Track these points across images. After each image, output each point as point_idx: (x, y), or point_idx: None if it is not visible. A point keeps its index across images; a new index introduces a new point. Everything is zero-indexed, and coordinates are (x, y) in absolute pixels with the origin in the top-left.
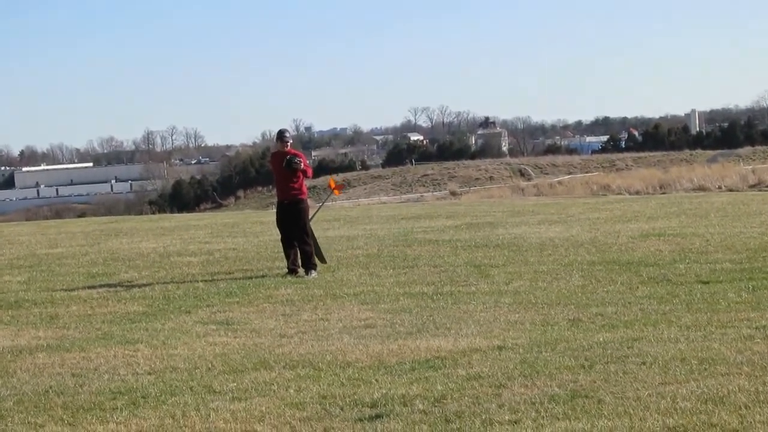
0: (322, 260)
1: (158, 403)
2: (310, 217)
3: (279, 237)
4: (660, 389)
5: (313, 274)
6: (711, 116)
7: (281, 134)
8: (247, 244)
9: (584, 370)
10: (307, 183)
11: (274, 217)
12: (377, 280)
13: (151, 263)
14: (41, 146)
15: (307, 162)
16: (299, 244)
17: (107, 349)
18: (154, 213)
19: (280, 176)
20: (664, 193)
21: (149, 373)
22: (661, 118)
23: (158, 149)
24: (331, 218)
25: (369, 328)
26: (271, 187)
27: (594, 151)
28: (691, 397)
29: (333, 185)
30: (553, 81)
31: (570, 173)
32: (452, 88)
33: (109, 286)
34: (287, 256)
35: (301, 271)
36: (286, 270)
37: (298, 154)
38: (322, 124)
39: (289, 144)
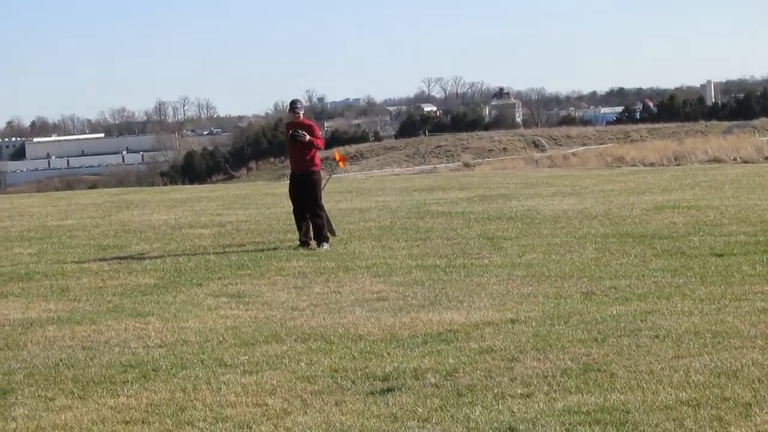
0: (332, 233)
1: (169, 377)
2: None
3: (291, 209)
4: (673, 363)
5: (325, 246)
6: (726, 87)
7: (293, 104)
8: (258, 216)
9: (597, 343)
10: (320, 154)
11: (286, 189)
12: (390, 253)
13: (163, 235)
14: (52, 117)
15: (319, 133)
16: (311, 217)
17: (118, 321)
18: (165, 184)
19: (293, 148)
20: (678, 165)
21: (160, 346)
22: (676, 89)
23: (170, 120)
24: (343, 190)
25: (381, 300)
26: (283, 158)
27: (608, 123)
28: (704, 371)
29: (338, 158)
30: (567, 51)
31: (584, 145)
32: (466, 58)
33: (120, 258)
34: (299, 228)
35: (313, 243)
36: (298, 242)
37: (311, 124)
38: (334, 94)
39: (301, 114)
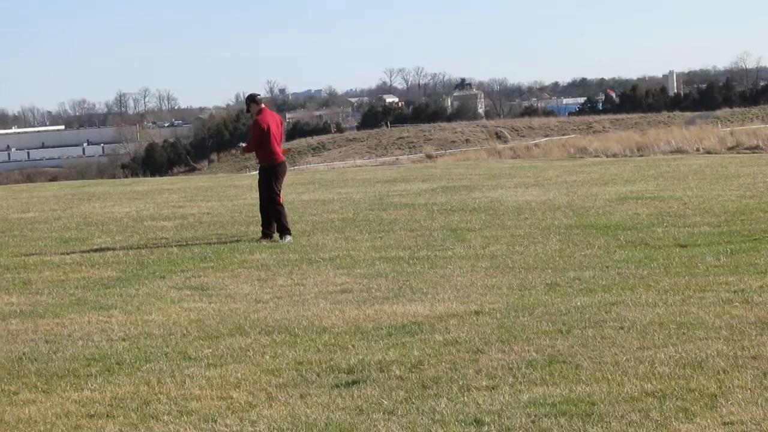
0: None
1: (133, 370)
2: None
3: (256, 201)
4: (638, 354)
5: (288, 238)
6: (689, 77)
7: (256, 98)
8: (221, 208)
9: (562, 335)
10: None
11: (249, 181)
12: (353, 245)
13: (125, 228)
14: (12, 109)
15: (256, 131)
16: (272, 208)
17: (81, 315)
18: (126, 177)
19: (272, 139)
20: (641, 156)
21: (124, 340)
22: (639, 79)
23: (131, 112)
24: (305, 182)
25: (345, 293)
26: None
27: (571, 113)
28: (669, 362)
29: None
30: (529, 42)
31: (547, 136)
32: (428, 49)
33: (83, 251)
34: (262, 219)
35: (275, 235)
36: (260, 234)
37: (254, 120)
38: (296, 86)
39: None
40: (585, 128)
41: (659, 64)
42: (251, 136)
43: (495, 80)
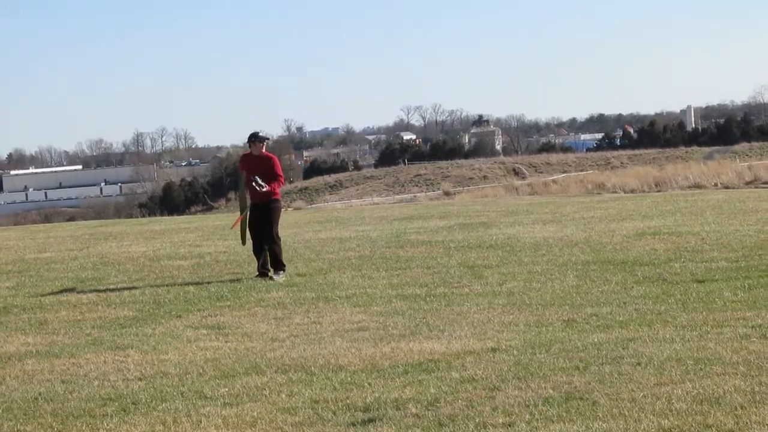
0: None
1: (149, 410)
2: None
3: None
4: (655, 390)
5: (282, 275)
6: (707, 112)
7: (257, 138)
8: (237, 246)
9: (579, 371)
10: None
11: None
12: (370, 282)
13: (141, 267)
14: (29, 149)
15: (280, 168)
16: (268, 246)
17: (97, 354)
18: (144, 216)
19: (246, 180)
20: (659, 191)
21: (140, 379)
22: (656, 114)
23: (148, 151)
24: (323, 219)
25: (361, 330)
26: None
27: (589, 149)
28: (686, 398)
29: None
30: (546, 78)
31: (564, 172)
32: (445, 86)
33: (99, 290)
34: (258, 259)
35: (271, 272)
36: (257, 273)
37: (272, 157)
38: (313, 124)
39: (263, 147)
40: (603, 164)
41: (677, 99)
42: None
43: (512, 116)
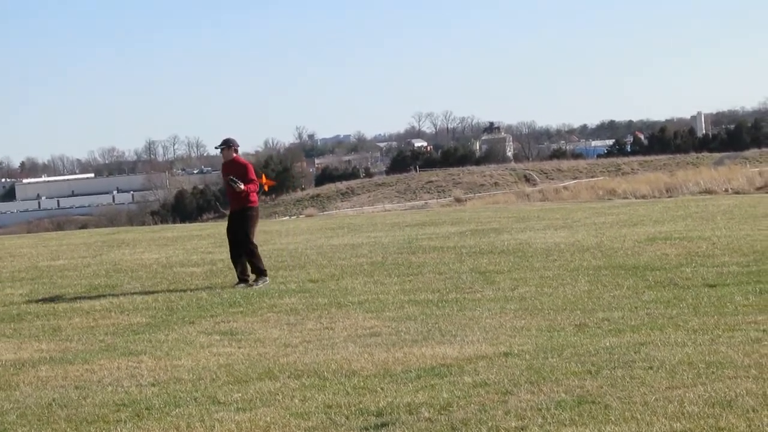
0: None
1: (162, 415)
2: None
3: (285, 245)
4: (667, 393)
5: (265, 281)
6: (717, 118)
7: (228, 143)
8: None
9: (591, 375)
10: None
11: (278, 227)
12: (382, 288)
13: (154, 274)
14: (42, 157)
15: (253, 174)
16: (245, 254)
17: (111, 360)
18: (156, 223)
19: (230, 187)
20: (670, 197)
21: (153, 385)
22: (667, 120)
23: (160, 159)
24: (335, 226)
25: (374, 336)
26: (274, 196)
27: (599, 156)
28: (698, 401)
29: (264, 180)
30: (557, 85)
31: (575, 178)
32: (456, 93)
33: (112, 297)
34: (235, 267)
35: (251, 278)
36: (236, 281)
37: (246, 164)
38: (325, 131)
39: (234, 154)
40: (614, 170)
41: (687, 105)
42: None
43: (523, 123)
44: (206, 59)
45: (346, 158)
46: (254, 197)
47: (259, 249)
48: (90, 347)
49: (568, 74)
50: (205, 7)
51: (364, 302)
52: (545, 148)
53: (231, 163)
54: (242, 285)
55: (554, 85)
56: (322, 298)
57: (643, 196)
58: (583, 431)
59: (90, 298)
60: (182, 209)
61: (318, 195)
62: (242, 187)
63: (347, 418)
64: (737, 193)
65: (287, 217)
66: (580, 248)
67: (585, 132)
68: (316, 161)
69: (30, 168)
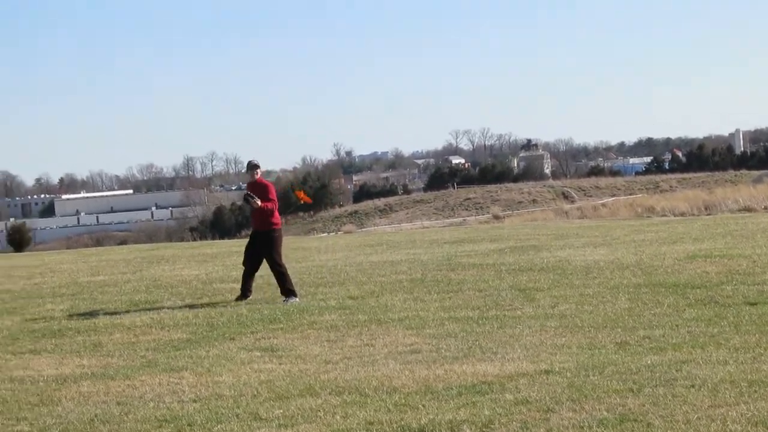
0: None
1: (204, 431)
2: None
3: (324, 262)
4: (709, 412)
5: (294, 300)
6: (755, 135)
7: (250, 166)
8: (289, 269)
9: (633, 393)
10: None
11: (317, 243)
12: (422, 305)
13: (194, 290)
14: (81, 174)
15: (274, 194)
16: (276, 273)
17: (152, 376)
18: (195, 240)
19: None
20: (709, 215)
21: (194, 401)
22: (705, 138)
23: (198, 175)
24: (374, 243)
25: (415, 353)
26: (312, 212)
27: (638, 173)
28: (741, 420)
29: (301, 195)
30: (595, 102)
31: (614, 195)
32: (494, 110)
33: (152, 313)
34: (243, 282)
35: (252, 296)
36: (239, 294)
37: (267, 184)
38: (362, 148)
39: (257, 175)
40: (652, 187)
41: (725, 122)
42: None
43: (561, 140)
44: (244, 76)
45: (384, 175)
46: (277, 218)
47: (299, 265)
48: (131, 363)
49: (605, 91)
50: (244, 26)
51: (405, 319)
52: (583, 166)
53: (254, 184)
54: (242, 299)
55: (592, 103)
56: (362, 314)
57: (682, 214)
58: None
59: (130, 313)
60: (221, 225)
61: (356, 211)
62: (259, 203)
63: None
64: None
65: (326, 234)
66: (620, 266)
67: (623, 149)
68: (354, 178)
69: (69, 184)
